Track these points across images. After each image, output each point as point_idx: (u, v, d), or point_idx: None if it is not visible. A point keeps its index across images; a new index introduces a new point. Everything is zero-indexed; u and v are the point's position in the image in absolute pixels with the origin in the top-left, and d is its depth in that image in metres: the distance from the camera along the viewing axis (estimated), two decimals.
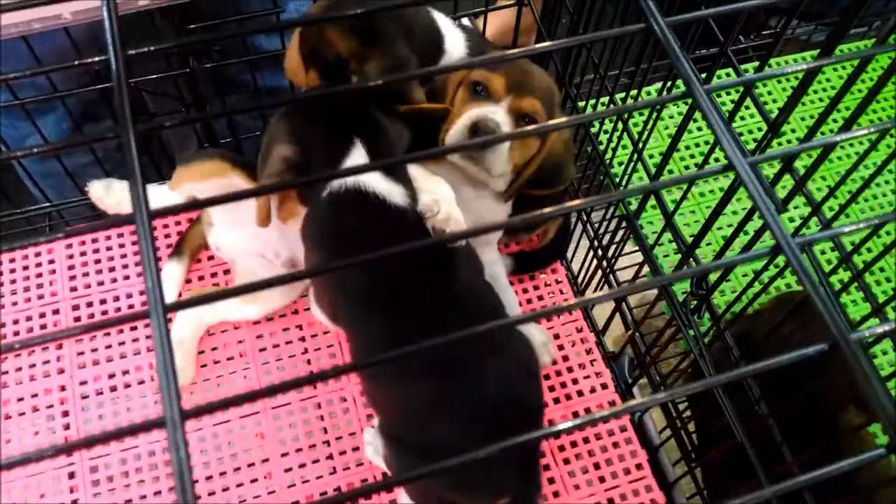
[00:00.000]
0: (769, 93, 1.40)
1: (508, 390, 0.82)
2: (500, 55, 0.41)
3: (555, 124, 0.43)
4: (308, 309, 1.05)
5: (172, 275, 1.05)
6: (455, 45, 0.95)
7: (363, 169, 0.35)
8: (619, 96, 1.08)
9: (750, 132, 1.35)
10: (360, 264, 0.36)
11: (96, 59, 0.41)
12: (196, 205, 0.35)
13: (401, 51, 0.86)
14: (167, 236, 1.12)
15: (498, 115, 0.88)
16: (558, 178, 0.99)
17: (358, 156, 0.81)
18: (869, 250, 1.20)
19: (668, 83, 1.00)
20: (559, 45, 0.42)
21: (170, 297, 0.99)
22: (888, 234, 1.19)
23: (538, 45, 0.43)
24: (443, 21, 0.96)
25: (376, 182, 0.80)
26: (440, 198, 0.81)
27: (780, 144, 1.35)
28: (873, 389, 0.33)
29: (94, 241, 1.10)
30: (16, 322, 1.03)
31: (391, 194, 0.80)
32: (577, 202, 0.37)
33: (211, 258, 1.10)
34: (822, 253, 1.22)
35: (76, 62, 0.42)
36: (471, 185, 0.96)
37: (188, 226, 1.10)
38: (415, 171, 0.86)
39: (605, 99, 1.09)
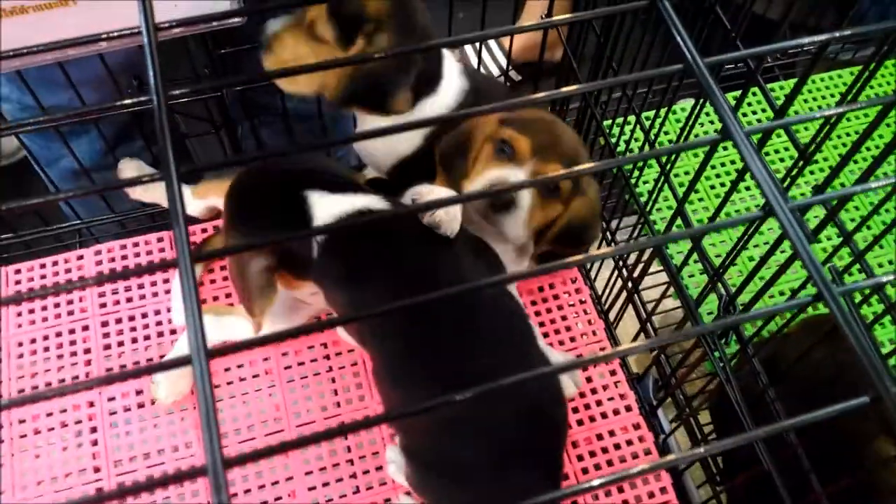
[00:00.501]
0: (796, 112, 1.39)
1: (535, 409, 0.82)
2: (526, 98, 0.41)
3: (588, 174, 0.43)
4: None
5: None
6: (448, 89, 0.95)
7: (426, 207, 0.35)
8: (646, 115, 1.08)
9: (776, 152, 1.34)
10: (387, 312, 0.36)
11: (140, 98, 0.41)
12: (232, 250, 0.36)
13: (416, 42, 0.86)
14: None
15: (518, 177, 0.88)
16: (582, 239, 0.98)
17: (317, 197, 0.82)
18: None
19: (698, 103, 1.00)
20: (588, 88, 0.42)
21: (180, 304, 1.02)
22: None
23: (564, 89, 0.43)
24: (449, 62, 0.96)
25: (357, 201, 0.82)
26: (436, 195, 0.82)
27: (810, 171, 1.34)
28: None
29: (124, 257, 1.11)
30: (45, 338, 1.05)
31: (375, 204, 0.82)
32: (608, 250, 0.37)
33: (226, 278, 1.12)
34: (849, 274, 1.21)
35: (118, 103, 0.42)
36: (491, 234, 0.96)
37: (209, 236, 1.12)
38: (423, 189, 0.89)
39: (632, 118, 1.09)
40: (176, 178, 0.36)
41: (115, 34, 0.57)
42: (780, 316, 0.92)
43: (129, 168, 1.08)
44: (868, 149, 1.33)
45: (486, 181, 0.87)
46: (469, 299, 0.81)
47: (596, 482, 0.32)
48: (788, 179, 0.76)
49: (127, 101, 0.42)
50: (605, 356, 0.32)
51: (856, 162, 1.31)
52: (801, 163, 0.69)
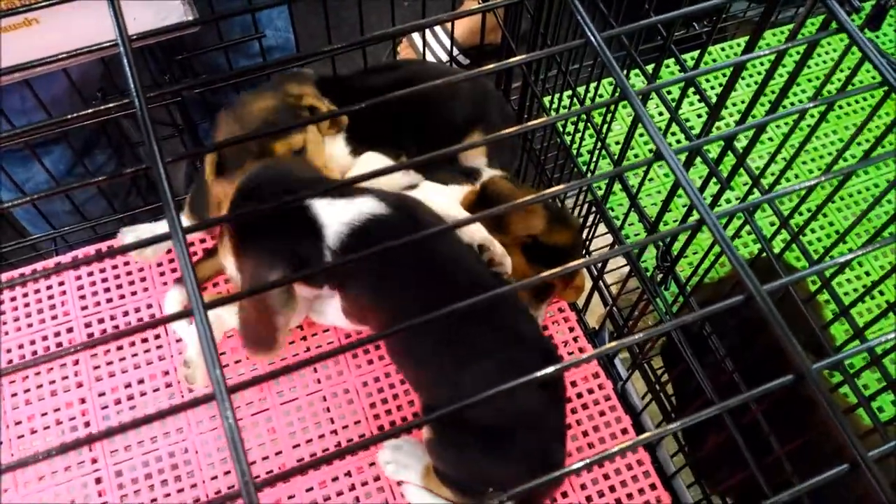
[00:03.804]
0: (715, 77, 1.49)
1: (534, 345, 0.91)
2: (471, 73, 0.49)
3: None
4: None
5: (176, 300, 1.11)
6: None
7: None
8: (581, 89, 1.16)
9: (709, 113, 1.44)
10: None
11: (120, 103, 0.48)
12: (220, 220, 0.42)
13: None
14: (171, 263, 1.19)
15: None
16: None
17: (323, 205, 0.85)
18: (810, 210, 1.29)
19: (625, 71, 1.08)
20: (521, 61, 0.50)
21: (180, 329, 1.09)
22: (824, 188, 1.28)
23: (509, 61, 0.51)
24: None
25: (362, 205, 0.86)
26: (489, 237, 0.93)
27: (725, 123, 1.43)
28: (783, 334, 0.41)
29: (99, 259, 1.17)
30: (32, 343, 1.10)
31: (378, 208, 0.86)
32: (542, 193, 0.44)
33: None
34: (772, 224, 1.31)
35: (100, 108, 0.49)
36: None
37: (200, 257, 1.16)
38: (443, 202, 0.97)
39: (569, 92, 1.17)
40: (162, 166, 0.43)
41: (85, 49, 0.63)
42: (719, 264, 1.01)
43: (129, 236, 1.13)
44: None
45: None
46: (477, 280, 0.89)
47: (550, 369, 0.40)
48: (704, 135, 0.85)
49: (108, 106, 0.48)
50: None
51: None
52: (711, 119, 0.78)
